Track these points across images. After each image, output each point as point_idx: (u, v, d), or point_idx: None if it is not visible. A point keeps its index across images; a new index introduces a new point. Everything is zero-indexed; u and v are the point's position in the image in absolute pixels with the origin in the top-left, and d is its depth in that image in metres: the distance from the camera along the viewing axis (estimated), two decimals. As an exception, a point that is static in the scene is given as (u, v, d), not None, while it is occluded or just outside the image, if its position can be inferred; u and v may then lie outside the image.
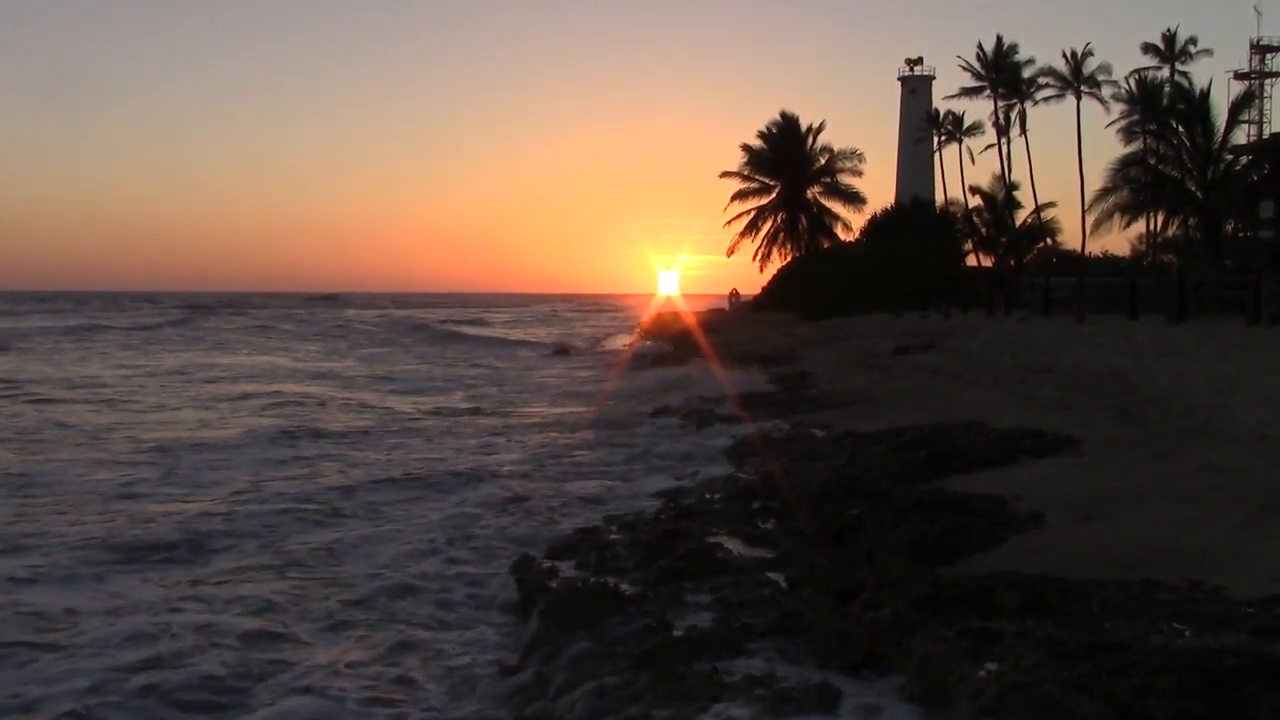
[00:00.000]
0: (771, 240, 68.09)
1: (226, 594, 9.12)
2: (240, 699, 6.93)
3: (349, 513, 12.60)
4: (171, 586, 9.47)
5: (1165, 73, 50.03)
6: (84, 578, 9.75)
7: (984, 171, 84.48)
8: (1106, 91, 53.79)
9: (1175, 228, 46.04)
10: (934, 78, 72.97)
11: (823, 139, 67.75)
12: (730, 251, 69.60)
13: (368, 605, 8.87)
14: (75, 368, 36.45)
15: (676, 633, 6.89)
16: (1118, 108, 50.43)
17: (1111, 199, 44.82)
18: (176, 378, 32.83)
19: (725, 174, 68.59)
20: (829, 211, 67.85)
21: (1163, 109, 44.45)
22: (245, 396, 26.66)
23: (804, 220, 67.64)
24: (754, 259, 68.73)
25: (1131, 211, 45.03)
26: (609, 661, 6.59)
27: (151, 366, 37.50)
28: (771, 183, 68.08)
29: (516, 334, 69.43)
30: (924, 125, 64.94)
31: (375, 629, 8.29)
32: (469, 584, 9.50)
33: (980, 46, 59.19)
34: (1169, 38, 50.95)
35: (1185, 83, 46.59)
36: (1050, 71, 56.41)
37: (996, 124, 59.02)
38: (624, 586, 8.29)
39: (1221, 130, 42.15)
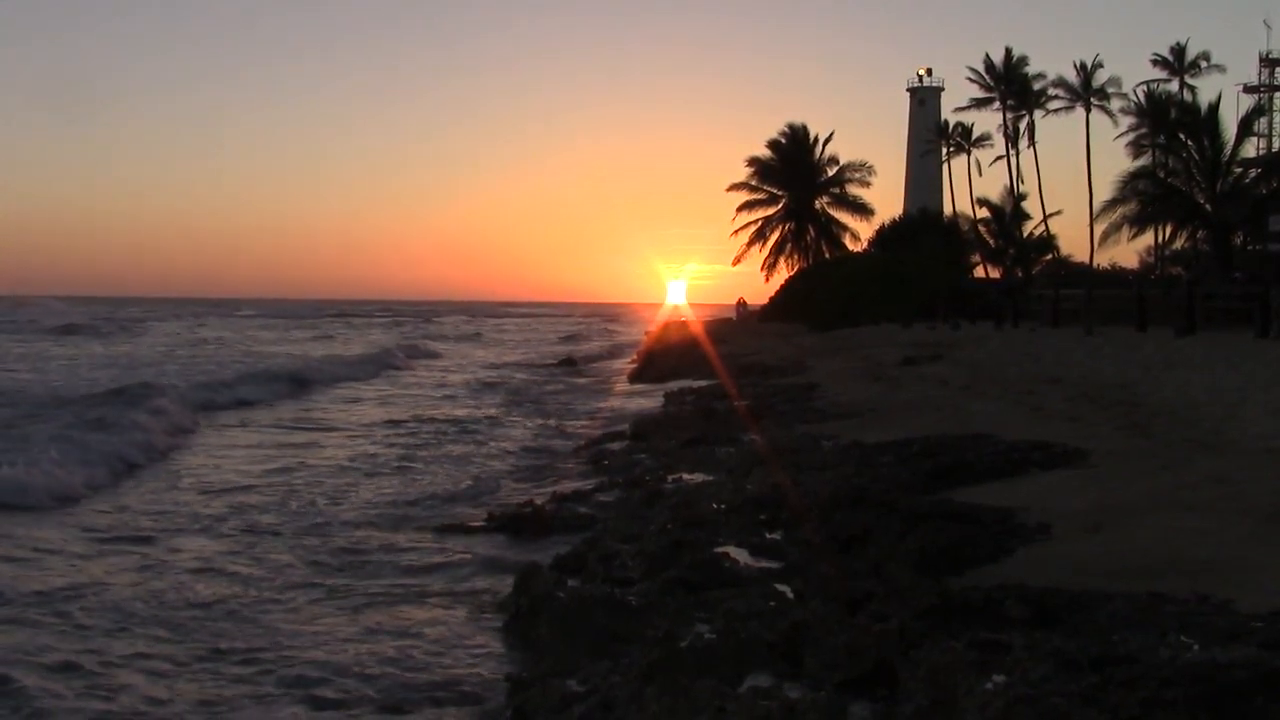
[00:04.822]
0: (779, 250, 68.15)
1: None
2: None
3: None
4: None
5: (1174, 85, 50.10)
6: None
7: (992, 183, 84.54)
8: (1116, 104, 53.88)
9: (1183, 240, 45.96)
10: (943, 89, 73.15)
11: (830, 150, 67.87)
12: (737, 261, 69.72)
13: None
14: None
15: (683, 644, 6.88)
16: (1126, 120, 50.50)
17: (1119, 211, 44.75)
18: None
19: (733, 186, 68.73)
20: (837, 222, 67.91)
21: (1171, 121, 44.40)
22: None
23: (811, 230, 67.69)
24: (761, 269, 68.81)
25: (1139, 224, 44.93)
26: (616, 673, 6.59)
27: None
28: (779, 193, 68.13)
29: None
30: (932, 136, 64.97)
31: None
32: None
33: (989, 58, 59.31)
34: (1178, 51, 51.04)
35: (1193, 96, 46.66)
36: (1060, 83, 56.55)
37: (1005, 135, 59.11)
38: (630, 597, 8.29)
39: (1230, 143, 42.05)
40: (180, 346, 54.90)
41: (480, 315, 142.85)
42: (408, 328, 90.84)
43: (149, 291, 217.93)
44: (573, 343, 68.80)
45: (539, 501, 13.33)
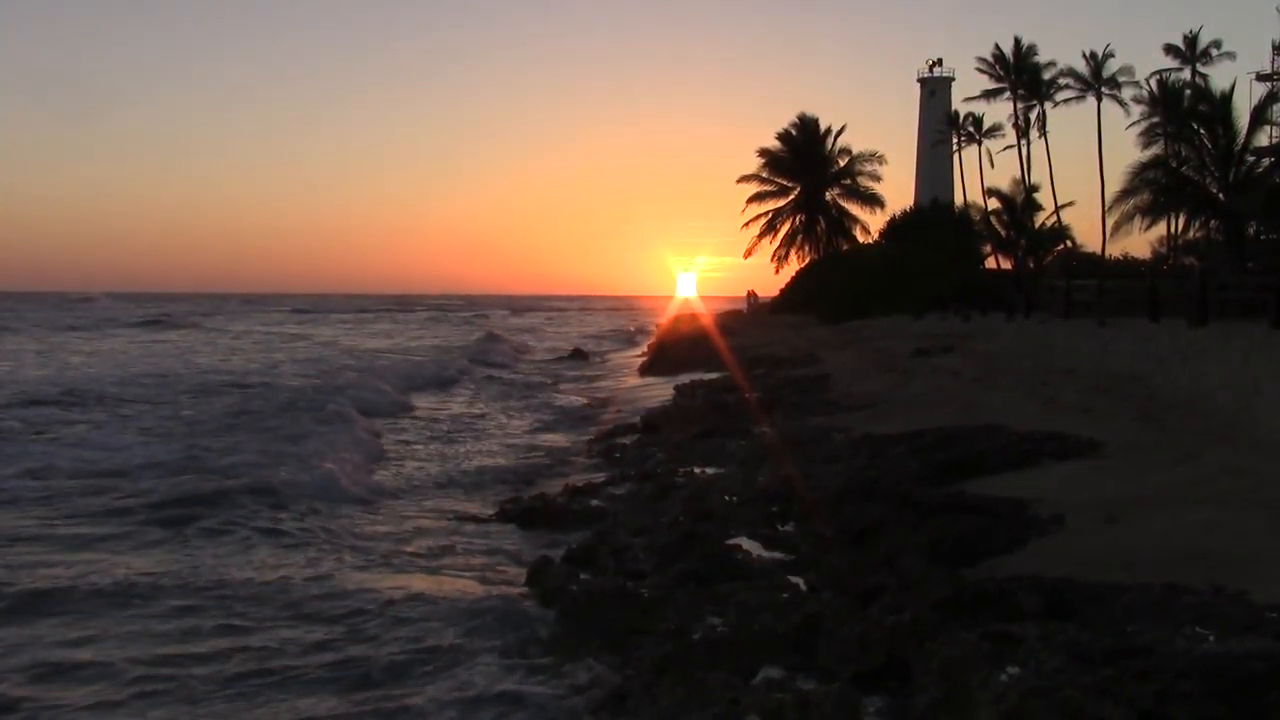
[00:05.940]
0: (789, 242, 67.89)
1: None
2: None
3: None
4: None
5: (1186, 74, 49.82)
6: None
7: (1003, 173, 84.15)
8: (1127, 93, 53.66)
9: (1196, 230, 45.67)
10: (953, 79, 72.74)
11: (842, 141, 67.58)
12: (748, 253, 69.51)
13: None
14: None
15: (695, 636, 6.87)
16: (1138, 109, 50.30)
17: (1131, 201, 44.41)
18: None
19: (743, 178, 68.42)
20: (848, 214, 67.63)
21: (1184, 111, 44.12)
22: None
23: (822, 222, 67.43)
24: (771, 260, 68.60)
25: (1152, 214, 44.61)
26: (629, 665, 6.58)
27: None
28: (790, 185, 67.89)
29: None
30: (943, 127, 64.76)
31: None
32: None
33: (998, 48, 59.09)
34: (1190, 39, 50.80)
35: (1205, 84, 46.36)
36: (1070, 73, 56.29)
37: (1016, 125, 58.89)
38: (643, 590, 8.28)
39: (1243, 132, 41.69)
40: (283, 341, 56.33)
41: (515, 310, 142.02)
42: (467, 322, 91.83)
43: (160, 288, 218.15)
44: (626, 336, 69.53)
45: (550, 493, 13.34)
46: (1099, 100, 55.43)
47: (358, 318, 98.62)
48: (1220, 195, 41.14)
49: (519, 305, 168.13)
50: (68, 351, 43.69)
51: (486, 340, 55.26)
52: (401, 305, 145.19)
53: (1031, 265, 55.05)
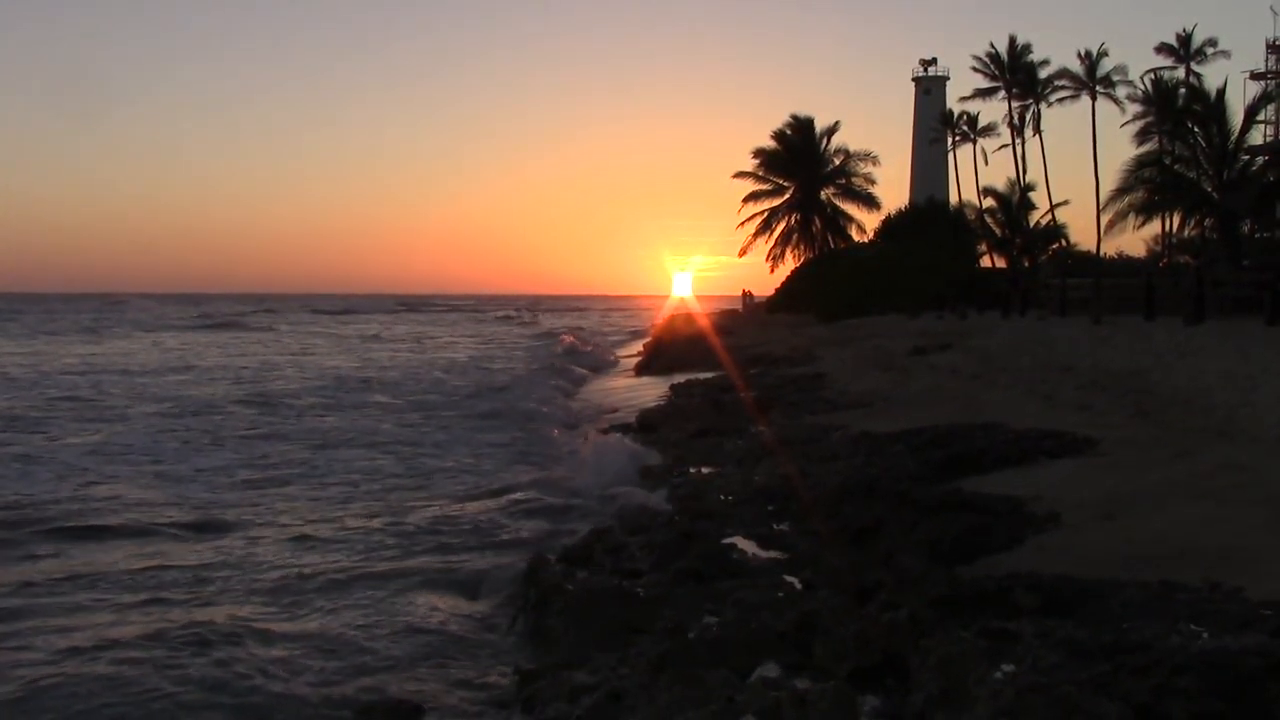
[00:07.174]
0: (785, 241, 67.85)
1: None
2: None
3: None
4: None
5: (1180, 73, 49.79)
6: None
7: (999, 172, 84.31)
8: (1122, 92, 53.59)
9: (1191, 228, 45.73)
10: (948, 78, 72.76)
11: (837, 140, 67.58)
12: (743, 252, 69.44)
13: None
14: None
15: (692, 634, 6.86)
16: (1132, 108, 50.26)
17: (1126, 199, 44.42)
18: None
19: (739, 174, 68.38)
20: (843, 213, 67.62)
21: (1178, 109, 44.12)
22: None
23: (818, 221, 67.41)
24: (766, 259, 68.58)
25: (1147, 212, 44.63)
26: (626, 664, 6.57)
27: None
28: (785, 184, 67.86)
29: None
30: (938, 126, 64.73)
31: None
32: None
33: (993, 46, 59.02)
34: (1184, 38, 50.71)
35: (1199, 83, 46.35)
36: (1065, 72, 56.19)
37: (1011, 124, 58.83)
38: (639, 589, 8.27)
39: (1237, 130, 41.73)
40: (383, 341, 57.45)
41: (534, 310, 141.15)
42: (501, 321, 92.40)
43: (160, 288, 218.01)
44: (622, 336, 69.81)
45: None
46: (1093, 99, 55.33)
47: (379, 318, 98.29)
48: (1215, 193, 41.17)
49: (518, 305, 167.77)
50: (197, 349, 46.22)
51: (558, 342, 55.11)
52: (409, 306, 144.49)
53: (1027, 263, 55.04)
